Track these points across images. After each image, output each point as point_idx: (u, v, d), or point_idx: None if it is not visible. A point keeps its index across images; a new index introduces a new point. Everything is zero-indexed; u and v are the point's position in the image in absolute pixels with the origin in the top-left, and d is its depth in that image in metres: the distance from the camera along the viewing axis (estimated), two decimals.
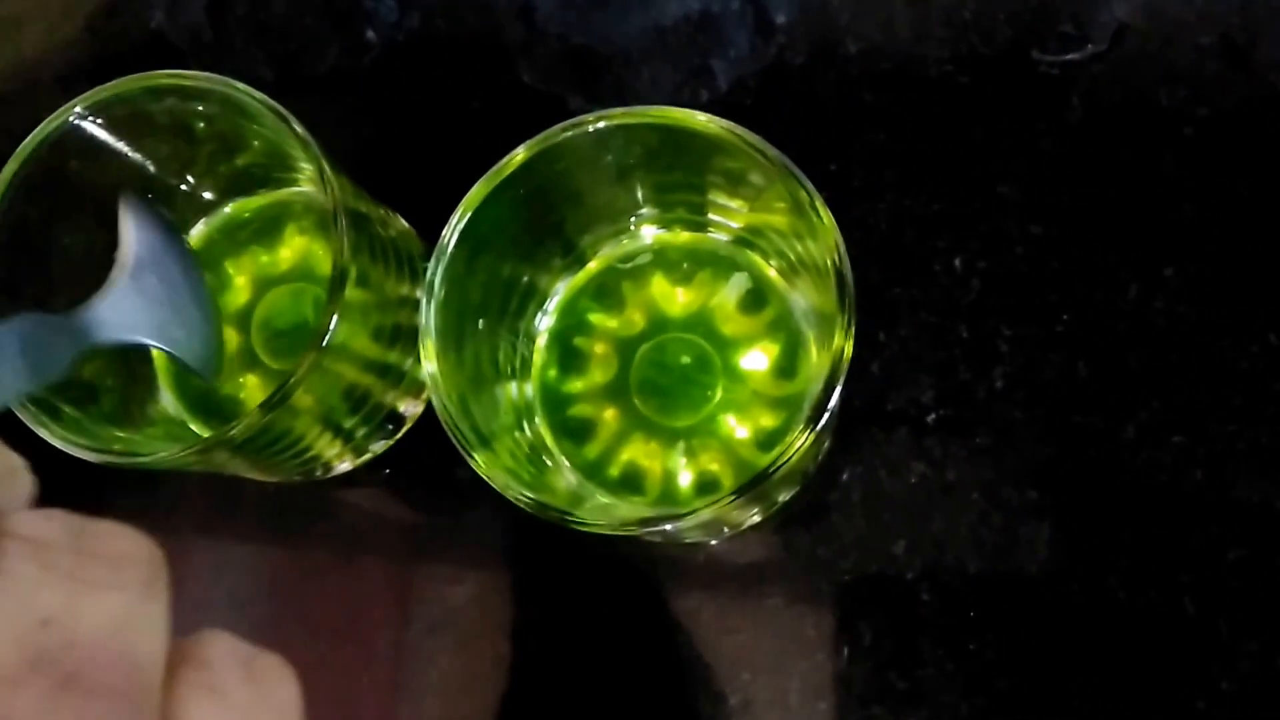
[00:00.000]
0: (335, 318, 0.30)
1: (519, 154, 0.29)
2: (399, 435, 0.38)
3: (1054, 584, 0.35)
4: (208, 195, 0.38)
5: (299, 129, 0.31)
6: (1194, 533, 0.35)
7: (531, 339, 0.35)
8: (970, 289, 0.37)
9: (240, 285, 0.38)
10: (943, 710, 0.34)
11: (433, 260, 0.29)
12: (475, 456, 0.28)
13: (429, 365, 0.29)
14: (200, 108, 0.33)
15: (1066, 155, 0.38)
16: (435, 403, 0.28)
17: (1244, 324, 0.36)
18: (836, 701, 0.35)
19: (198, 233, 0.38)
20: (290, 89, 0.42)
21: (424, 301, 0.29)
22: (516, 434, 0.33)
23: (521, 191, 0.30)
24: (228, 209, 0.38)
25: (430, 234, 0.30)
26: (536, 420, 0.35)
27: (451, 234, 0.29)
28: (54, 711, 0.13)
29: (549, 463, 0.34)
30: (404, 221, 0.37)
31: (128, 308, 0.30)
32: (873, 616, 0.35)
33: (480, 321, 0.32)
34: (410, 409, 0.38)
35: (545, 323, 0.36)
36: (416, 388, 0.37)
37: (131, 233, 0.31)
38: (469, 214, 0.29)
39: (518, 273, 0.34)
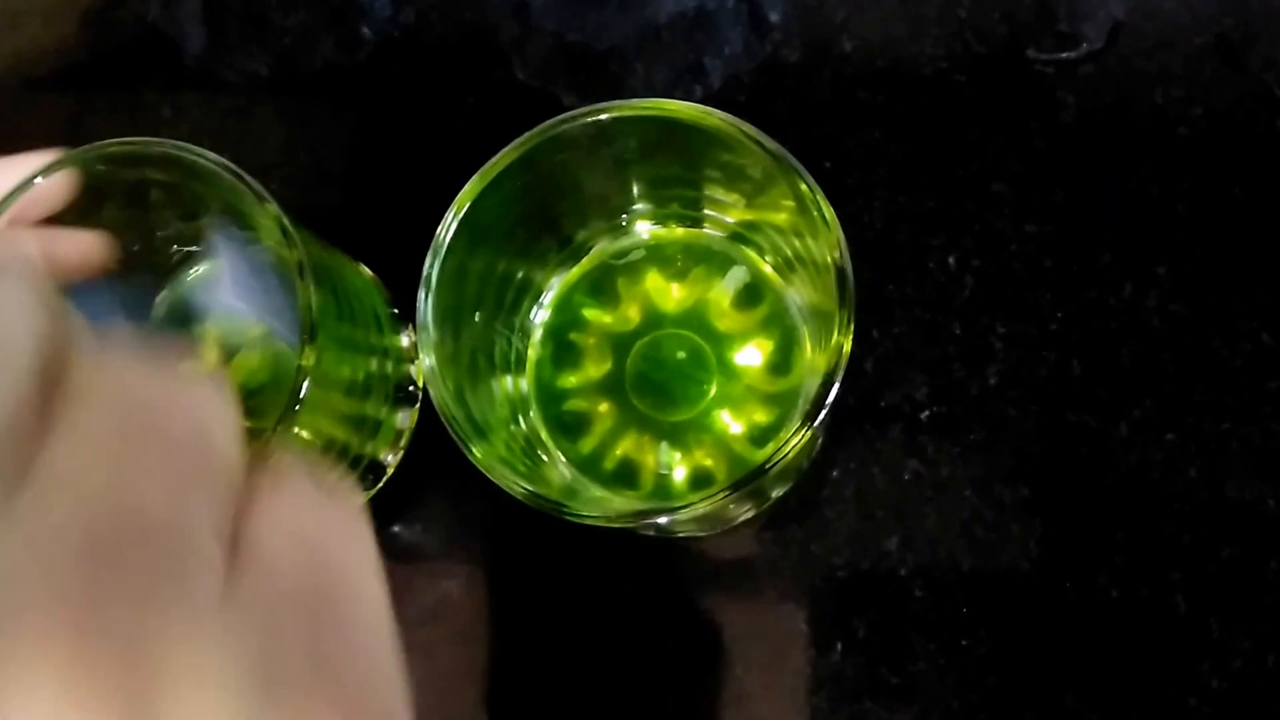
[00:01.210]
0: (307, 375, 0.29)
1: (515, 147, 0.29)
2: (380, 484, 0.37)
3: (1046, 581, 0.35)
4: (172, 258, 0.36)
5: (255, 187, 0.30)
6: (1186, 531, 0.35)
7: (526, 334, 0.35)
8: (964, 286, 0.37)
9: (210, 347, 0.37)
10: (934, 705, 0.35)
11: (430, 254, 0.29)
12: (472, 448, 0.28)
13: (427, 359, 0.29)
14: (153, 174, 0.32)
15: (1061, 154, 0.38)
16: (433, 395, 0.28)
17: (1237, 322, 0.36)
18: (828, 696, 0.35)
19: (163, 298, 0.37)
20: (284, 85, 0.42)
21: (421, 294, 0.29)
22: (512, 427, 0.33)
23: (518, 185, 0.30)
24: (191, 272, 0.37)
25: (424, 231, 0.30)
26: (531, 414, 0.35)
27: (448, 228, 0.29)
28: (143, 464, 0.15)
29: (544, 456, 0.34)
30: (367, 270, 0.37)
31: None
32: (865, 612, 0.35)
33: (476, 315, 0.32)
34: (390, 457, 0.37)
35: (540, 317, 0.36)
36: (394, 436, 0.37)
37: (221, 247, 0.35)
38: (465, 207, 0.29)
39: (513, 267, 0.34)
